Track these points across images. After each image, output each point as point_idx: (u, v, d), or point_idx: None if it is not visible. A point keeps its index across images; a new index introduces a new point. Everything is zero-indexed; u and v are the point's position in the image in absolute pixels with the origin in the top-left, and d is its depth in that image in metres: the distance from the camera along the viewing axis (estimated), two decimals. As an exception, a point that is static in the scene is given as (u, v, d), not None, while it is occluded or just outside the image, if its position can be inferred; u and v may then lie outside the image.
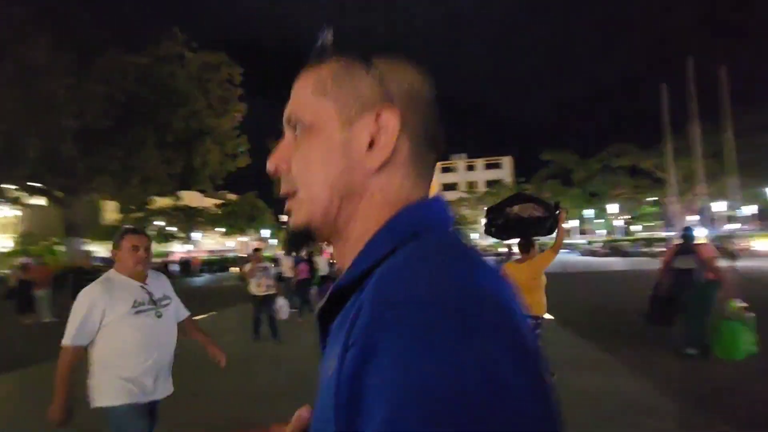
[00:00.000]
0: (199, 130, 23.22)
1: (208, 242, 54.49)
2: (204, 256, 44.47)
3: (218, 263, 37.64)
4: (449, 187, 70.77)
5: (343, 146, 0.45)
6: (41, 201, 28.82)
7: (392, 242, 0.40)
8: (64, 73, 16.76)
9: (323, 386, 0.38)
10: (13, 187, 26.34)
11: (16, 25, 15.83)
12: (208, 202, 53.80)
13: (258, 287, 7.04)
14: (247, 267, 7.57)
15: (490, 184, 66.73)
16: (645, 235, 37.37)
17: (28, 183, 22.18)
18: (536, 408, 0.27)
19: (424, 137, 0.47)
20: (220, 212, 42.87)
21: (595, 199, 38.76)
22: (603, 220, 45.57)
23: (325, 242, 0.50)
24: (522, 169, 67.74)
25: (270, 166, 0.49)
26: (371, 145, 0.44)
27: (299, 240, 0.48)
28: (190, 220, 45.55)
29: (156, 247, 50.49)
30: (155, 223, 43.59)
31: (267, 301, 7.11)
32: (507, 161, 70.71)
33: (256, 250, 7.77)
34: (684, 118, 28.01)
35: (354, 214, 0.45)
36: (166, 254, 47.66)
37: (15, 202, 26.12)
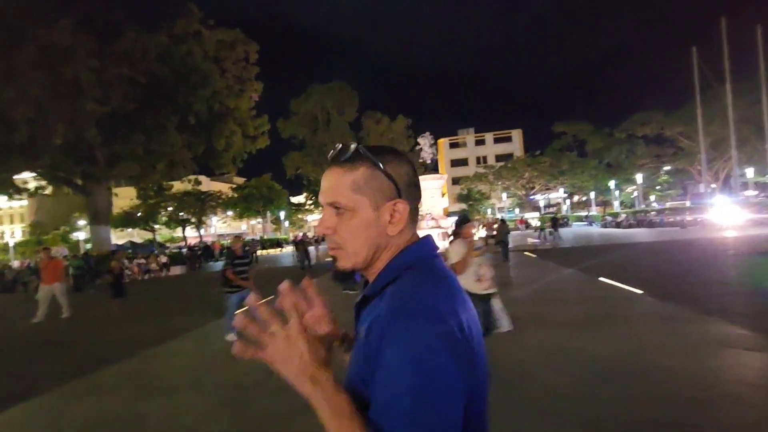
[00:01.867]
0: (220, 111, 22.64)
1: (218, 226, 54.40)
2: (210, 240, 44.30)
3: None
4: (458, 162, 69.94)
5: (375, 221, 0.74)
6: (47, 191, 28.01)
7: (396, 272, 0.73)
8: (87, 55, 16.13)
9: (359, 345, 0.70)
10: (31, 175, 25.98)
11: (37, 7, 15.14)
12: (217, 187, 53.38)
13: (479, 283, 4.39)
14: (458, 250, 4.03)
15: (500, 158, 65.98)
16: (669, 205, 36.81)
17: (53, 172, 21.78)
18: (443, 370, 0.60)
19: (415, 205, 0.78)
20: (236, 195, 42.43)
21: (617, 170, 38.09)
22: (618, 192, 45.08)
23: (359, 273, 0.79)
24: (532, 142, 66.77)
25: (320, 231, 0.77)
26: (391, 219, 0.75)
27: (345, 275, 0.77)
28: (203, 204, 45.24)
29: (168, 233, 50.44)
30: (168, 208, 43.40)
31: (486, 301, 4.53)
32: (517, 134, 69.59)
33: (464, 221, 4.29)
34: (705, 83, 27.12)
35: (379, 258, 0.76)
36: (181, 239, 47.65)
37: (34, 193, 25.74)
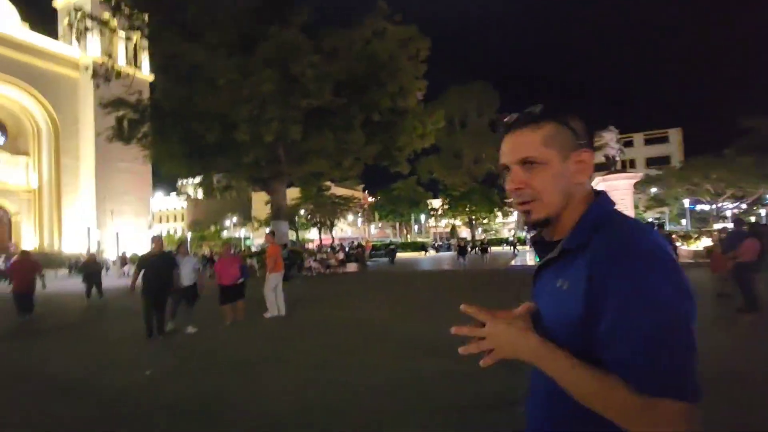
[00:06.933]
0: (403, 108, 22.18)
1: (344, 228, 56.00)
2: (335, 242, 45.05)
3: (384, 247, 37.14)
4: (598, 167, 62.94)
5: (563, 172, 0.81)
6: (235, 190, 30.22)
7: (592, 227, 0.77)
8: (309, 51, 16.53)
9: (551, 297, 0.79)
10: (192, 181, 28.34)
11: (265, 12, 15.91)
12: (339, 191, 55.02)
13: None
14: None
15: (653, 161, 57.84)
16: None
17: (247, 171, 23.29)
18: (674, 301, 0.65)
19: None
20: (379, 198, 42.88)
21: None
22: None
23: (545, 226, 0.85)
24: (693, 142, 56.89)
25: (512, 186, 0.84)
26: (577, 168, 0.81)
27: (538, 225, 0.85)
28: (336, 207, 46.72)
29: (300, 234, 53.12)
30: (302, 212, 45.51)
31: None
32: (675, 134, 60.22)
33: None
34: None
35: (567, 208, 0.82)
36: (309, 241, 49.93)
37: (225, 189, 28.09)
